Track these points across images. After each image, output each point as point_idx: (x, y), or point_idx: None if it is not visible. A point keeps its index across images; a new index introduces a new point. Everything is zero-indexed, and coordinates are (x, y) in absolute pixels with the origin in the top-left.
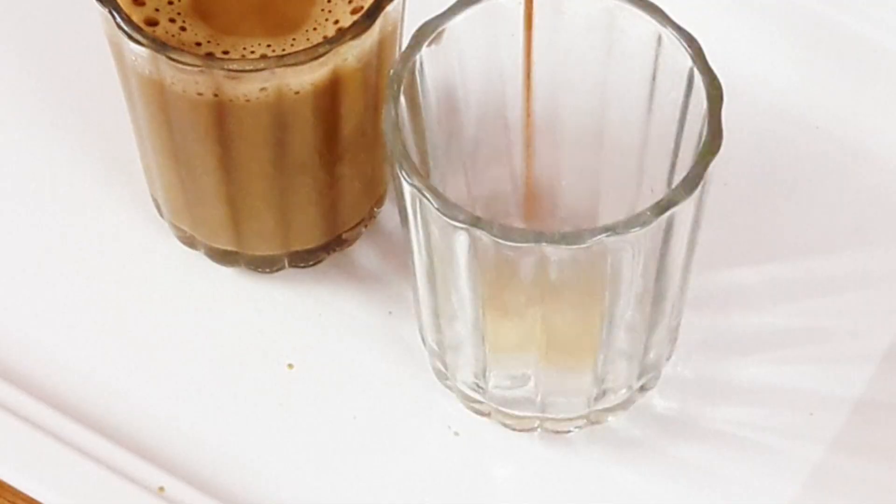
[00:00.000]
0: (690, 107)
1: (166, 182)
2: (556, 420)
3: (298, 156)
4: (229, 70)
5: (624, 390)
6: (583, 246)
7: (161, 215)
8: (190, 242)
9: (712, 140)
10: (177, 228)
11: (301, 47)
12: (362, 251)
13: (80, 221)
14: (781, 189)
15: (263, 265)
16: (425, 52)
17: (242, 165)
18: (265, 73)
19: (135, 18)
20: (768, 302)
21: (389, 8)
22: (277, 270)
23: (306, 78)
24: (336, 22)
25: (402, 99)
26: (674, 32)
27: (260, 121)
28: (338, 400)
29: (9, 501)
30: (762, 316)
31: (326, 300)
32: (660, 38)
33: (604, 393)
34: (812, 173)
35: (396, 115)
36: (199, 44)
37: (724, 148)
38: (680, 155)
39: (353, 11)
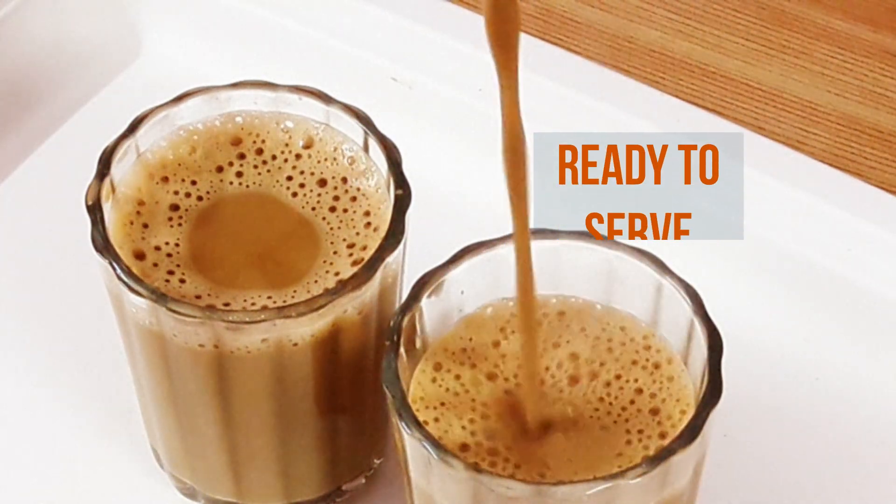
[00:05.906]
0: (691, 356)
1: (166, 432)
2: None
3: (299, 407)
4: (230, 322)
5: None
6: (583, 495)
7: (161, 466)
8: (190, 494)
9: (712, 392)
10: (177, 480)
11: (302, 299)
12: (363, 502)
13: (79, 472)
14: (781, 440)
15: None
16: (425, 303)
17: (243, 416)
18: (266, 325)
19: (135, 270)
20: None
21: (389, 259)
22: None
23: (307, 329)
24: (337, 274)
25: (402, 350)
26: (674, 283)
27: (261, 372)
28: None
29: None
30: None
31: None
32: (660, 288)
33: None
34: (811, 425)
35: (396, 366)
36: (199, 296)
37: (724, 398)
38: None
39: (354, 263)
